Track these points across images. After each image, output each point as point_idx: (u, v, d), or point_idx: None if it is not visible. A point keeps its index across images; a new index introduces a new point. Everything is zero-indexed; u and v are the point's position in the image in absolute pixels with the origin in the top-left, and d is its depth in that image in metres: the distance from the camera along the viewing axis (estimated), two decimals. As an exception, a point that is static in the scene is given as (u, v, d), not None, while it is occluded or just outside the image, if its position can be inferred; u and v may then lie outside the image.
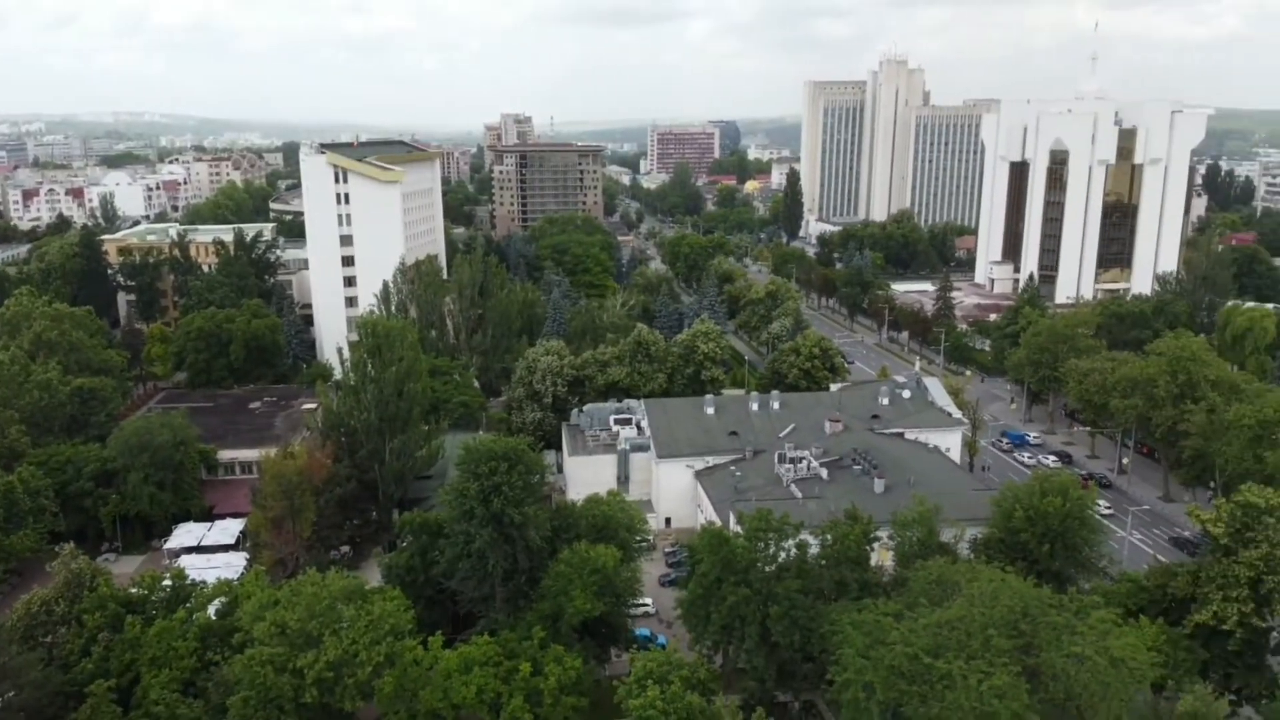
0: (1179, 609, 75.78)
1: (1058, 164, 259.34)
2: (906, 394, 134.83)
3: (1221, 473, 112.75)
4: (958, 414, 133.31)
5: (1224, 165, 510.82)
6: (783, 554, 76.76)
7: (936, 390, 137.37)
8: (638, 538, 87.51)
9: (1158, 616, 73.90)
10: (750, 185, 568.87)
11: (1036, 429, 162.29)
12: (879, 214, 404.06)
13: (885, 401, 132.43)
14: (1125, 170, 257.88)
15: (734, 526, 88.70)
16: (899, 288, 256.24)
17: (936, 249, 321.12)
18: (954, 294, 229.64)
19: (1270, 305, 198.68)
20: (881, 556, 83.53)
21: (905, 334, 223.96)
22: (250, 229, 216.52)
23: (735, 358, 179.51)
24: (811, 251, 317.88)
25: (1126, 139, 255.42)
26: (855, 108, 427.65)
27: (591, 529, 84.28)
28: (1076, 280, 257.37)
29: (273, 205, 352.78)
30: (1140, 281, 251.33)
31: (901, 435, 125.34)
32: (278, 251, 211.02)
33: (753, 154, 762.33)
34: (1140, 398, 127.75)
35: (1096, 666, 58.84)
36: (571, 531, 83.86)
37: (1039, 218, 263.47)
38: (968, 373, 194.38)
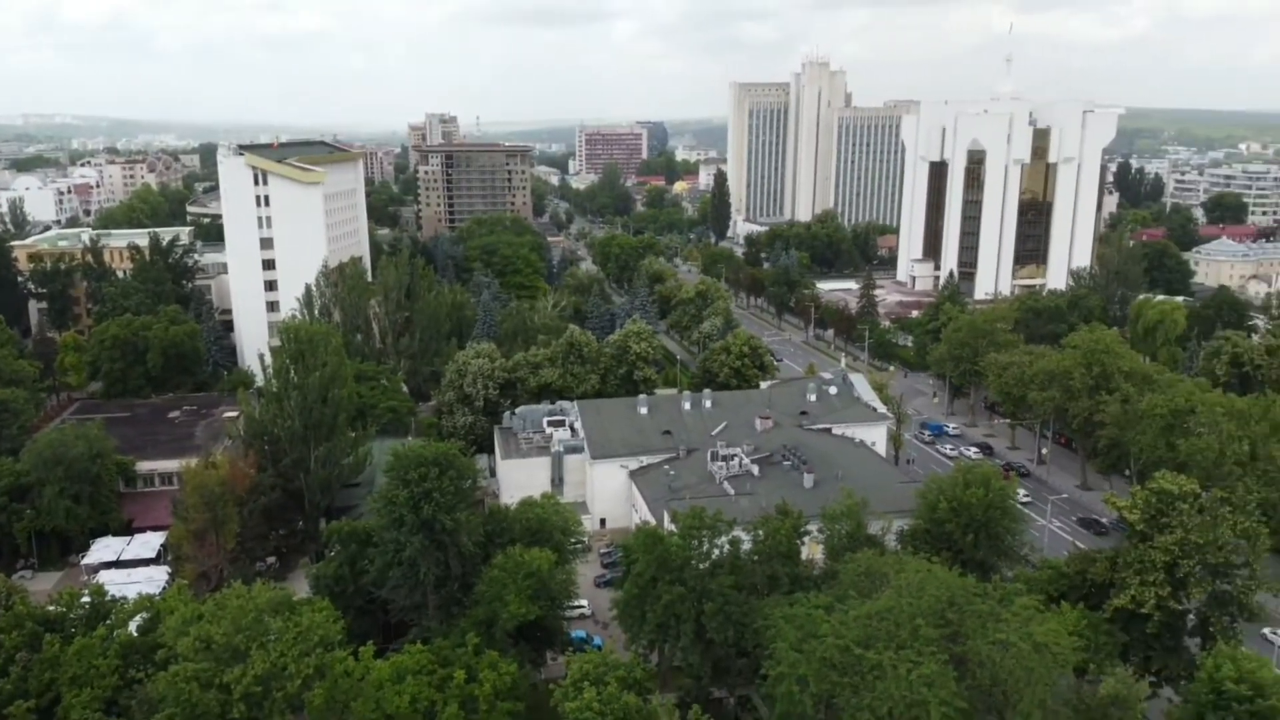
0: (1099, 594, 77.85)
1: (975, 163, 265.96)
2: (833, 390, 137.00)
3: (1136, 461, 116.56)
4: (882, 409, 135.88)
5: (1134, 163, 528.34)
6: (716, 551, 77.36)
7: (862, 386, 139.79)
8: (572, 540, 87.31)
9: (1078, 602, 75.84)
10: (679, 186, 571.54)
11: (958, 422, 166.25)
12: (804, 214, 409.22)
13: (813, 398, 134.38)
14: (1040, 169, 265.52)
15: (669, 525, 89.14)
16: (824, 286, 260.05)
17: (860, 248, 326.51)
18: (877, 292, 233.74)
19: (1180, 298, 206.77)
20: (812, 550, 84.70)
21: (831, 331, 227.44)
22: (166, 233, 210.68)
23: (667, 357, 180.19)
24: (740, 251, 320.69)
25: (1041, 139, 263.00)
26: (780, 109, 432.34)
27: (526, 533, 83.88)
28: (995, 276, 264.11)
29: (189, 208, 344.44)
30: (1056, 277, 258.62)
31: (829, 431, 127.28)
32: (195, 256, 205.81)
33: (680, 155, 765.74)
34: (1057, 390, 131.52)
35: (1021, 652, 59.87)
36: (505, 536, 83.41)
37: (958, 216, 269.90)
38: (891, 368, 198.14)
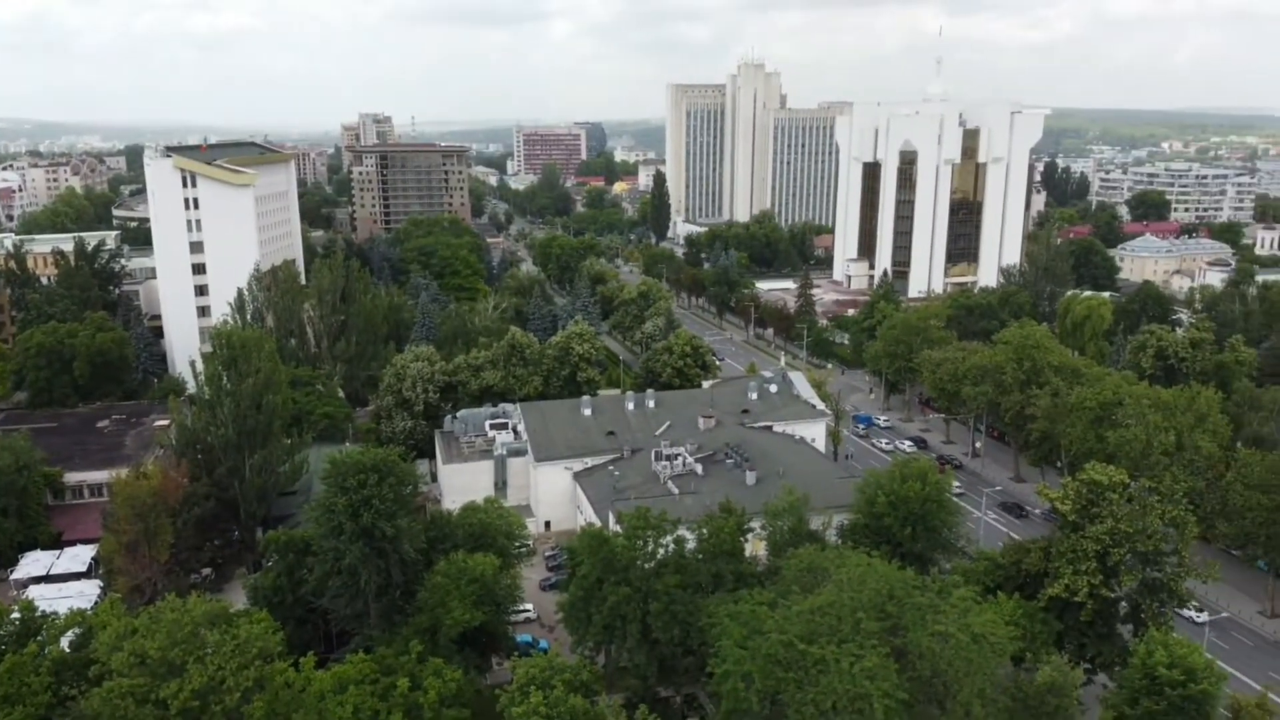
0: (1033, 583, 79.22)
1: (907, 164, 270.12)
2: (773, 388, 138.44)
3: (1066, 453, 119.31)
4: (821, 406, 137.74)
5: (1060, 162, 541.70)
6: (661, 550, 77.63)
7: (801, 384, 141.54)
8: (517, 544, 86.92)
9: (1014, 592, 76.76)
10: (619, 187, 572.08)
11: (895, 417, 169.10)
12: (742, 215, 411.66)
13: (754, 396, 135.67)
14: (970, 169, 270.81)
15: (614, 526, 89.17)
16: (763, 286, 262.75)
17: (797, 248, 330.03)
18: (814, 291, 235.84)
19: (1106, 294, 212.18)
20: (755, 547, 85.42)
21: (771, 330, 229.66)
22: (92, 238, 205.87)
23: (610, 358, 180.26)
24: (680, 252, 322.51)
25: (970, 139, 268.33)
26: (717, 110, 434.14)
27: (469, 538, 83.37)
28: (927, 275, 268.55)
29: (116, 212, 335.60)
30: (986, 274, 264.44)
31: (770, 428, 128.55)
32: (123, 261, 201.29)
33: (620, 156, 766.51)
34: (989, 384, 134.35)
35: (959, 643, 61.00)
36: (448, 542, 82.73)
37: (891, 216, 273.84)
38: (829, 366, 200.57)
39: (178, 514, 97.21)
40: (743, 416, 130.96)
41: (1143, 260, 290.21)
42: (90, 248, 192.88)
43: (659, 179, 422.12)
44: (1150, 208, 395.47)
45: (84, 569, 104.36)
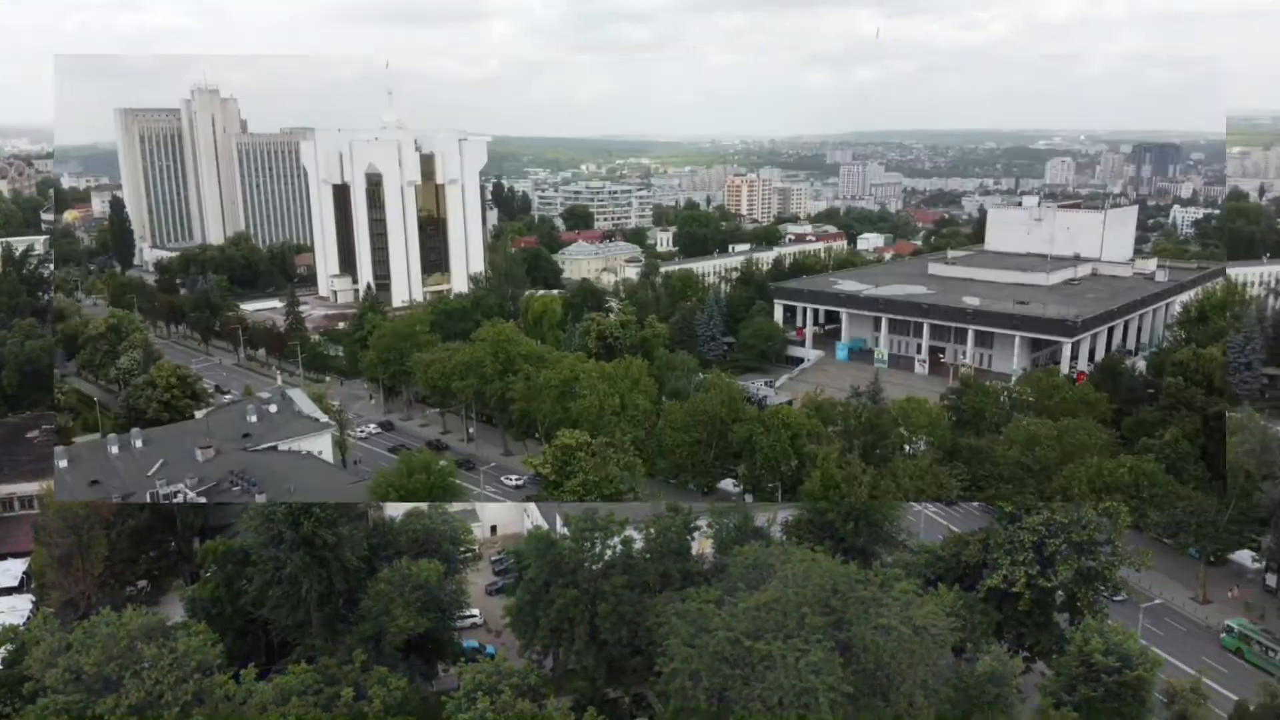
0: (973, 575, 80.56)
1: (374, 185, 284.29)
2: (274, 408, 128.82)
3: (542, 425, 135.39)
4: (324, 418, 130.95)
5: (505, 183, 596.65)
6: (609, 552, 78.13)
7: (302, 400, 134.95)
8: (462, 549, 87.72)
9: (954, 583, 77.36)
10: (70, 215, 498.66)
11: (397, 417, 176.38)
12: (216, 237, 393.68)
13: (254, 419, 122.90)
14: (431, 189, 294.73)
15: (560, 529, 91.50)
16: (249, 307, 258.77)
17: (279, 267, 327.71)
18: (302, 308, 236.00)
19: (555, 291, 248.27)
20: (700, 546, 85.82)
21: (263, 351, 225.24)
22: (20, 243, 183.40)
23: (83, 401, 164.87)
24: (152, 279, 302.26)
25: (428, 163, 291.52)
26: (174, 135, 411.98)
27: (412, 544, 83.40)
28: (408, 285, 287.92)
29: (45, 216, 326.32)
30: (459, 282, 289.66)
31: (275, 448, 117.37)
32: (51, 266, 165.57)
33: (68, 183, 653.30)
34: (474, 377, 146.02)
35: (902, 636, 61.50)
36: (390, 549, 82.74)
37: (366, 233, 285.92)
38: (328, 379, 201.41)
39: (111, 525, 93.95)
40: (245, 441, 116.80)
41: (579, 261, 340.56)
42: (18, 254, 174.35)
43: (117, 205, 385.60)
44: (579, 219, 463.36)
45: (15, 583, 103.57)
